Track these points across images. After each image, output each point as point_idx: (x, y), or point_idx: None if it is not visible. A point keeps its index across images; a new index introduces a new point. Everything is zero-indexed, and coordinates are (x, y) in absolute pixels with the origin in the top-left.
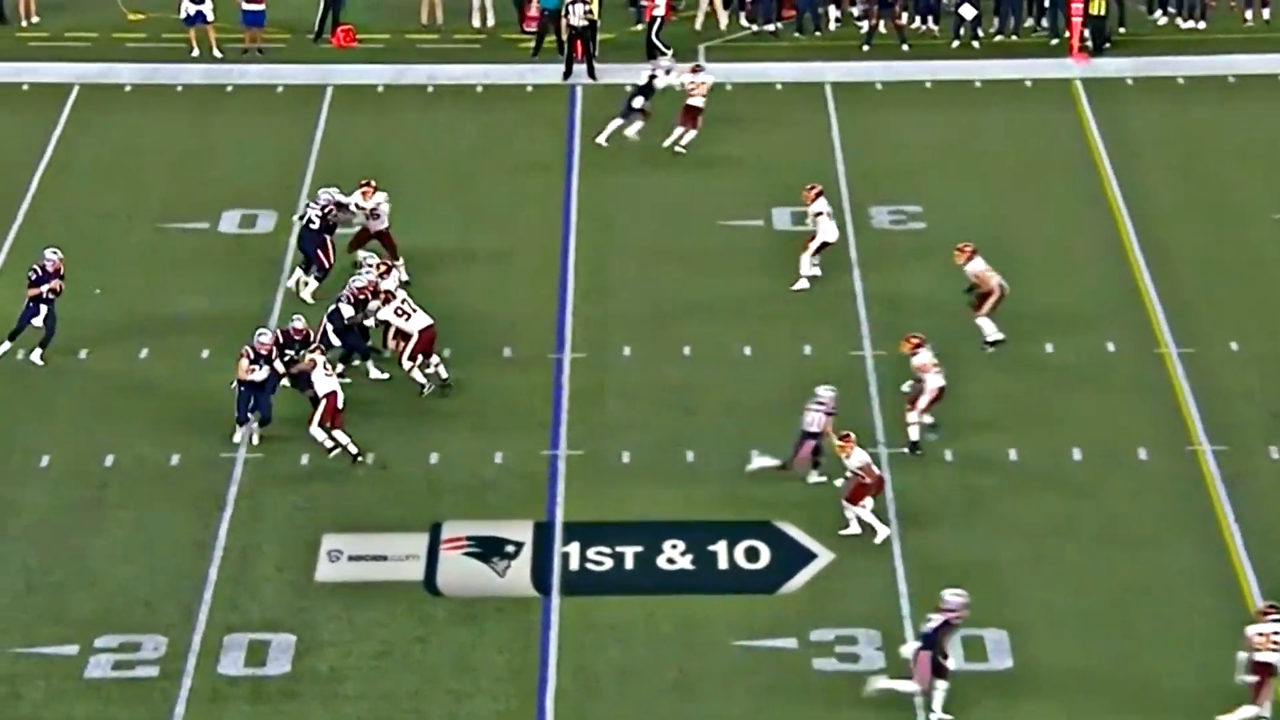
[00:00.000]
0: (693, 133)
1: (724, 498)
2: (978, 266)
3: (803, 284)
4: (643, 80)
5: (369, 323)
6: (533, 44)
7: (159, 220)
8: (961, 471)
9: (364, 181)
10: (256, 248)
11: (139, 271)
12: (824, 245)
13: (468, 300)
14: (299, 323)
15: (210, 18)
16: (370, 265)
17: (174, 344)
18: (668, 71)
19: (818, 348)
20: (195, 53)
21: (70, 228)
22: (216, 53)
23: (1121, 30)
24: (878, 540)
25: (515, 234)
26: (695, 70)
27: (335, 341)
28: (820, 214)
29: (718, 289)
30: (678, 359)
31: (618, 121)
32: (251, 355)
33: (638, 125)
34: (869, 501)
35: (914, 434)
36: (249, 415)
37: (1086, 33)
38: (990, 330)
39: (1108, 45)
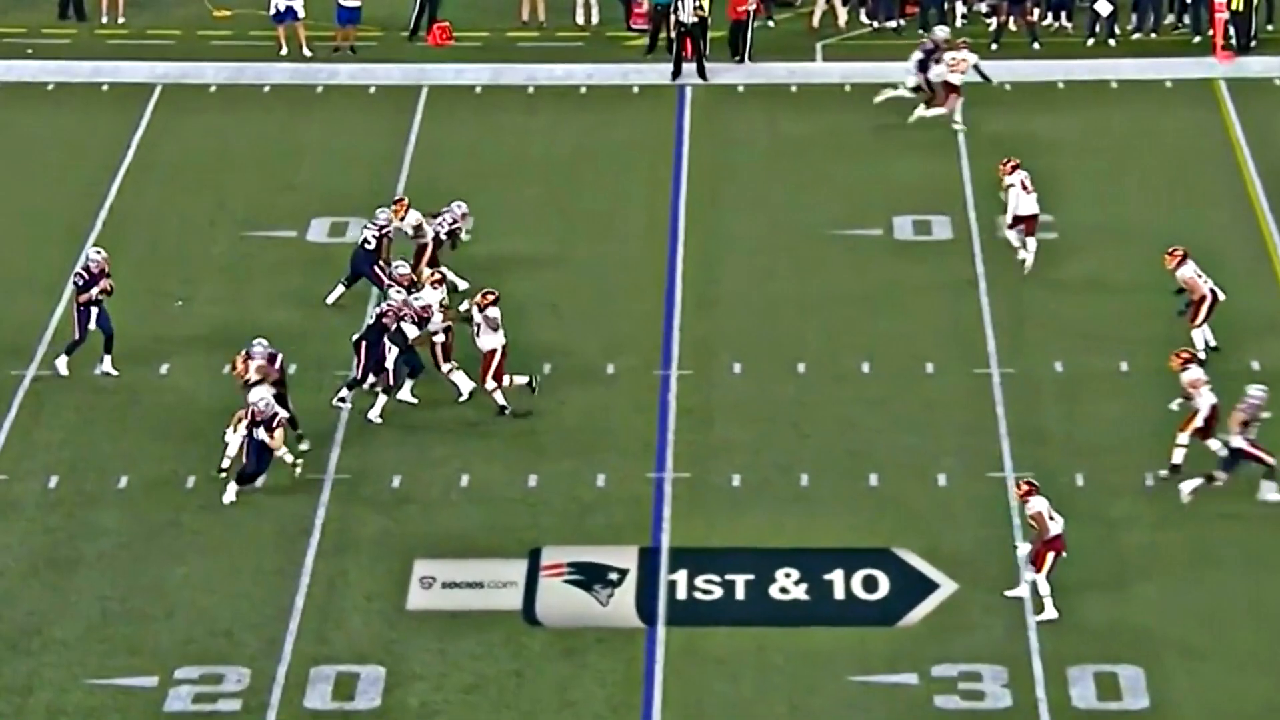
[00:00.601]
0: (942, 110)
1: (840, 524)
2: (1187, 272)
3: (1025, 260)
4: (916, 60)
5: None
6: (645, 41)
7: (244, 228)
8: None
9: (397, 199)
10: (346, 257)
11: (223, 282)
12: (1018, 220)
13: (568, 313)
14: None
15: (301, 14)
16: (402, 281)
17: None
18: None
19: (940, 365)
20: (284, 51)
21: (151, 235)
22: (306, 51)
23: (1270, 28)
24: (1041, 618)
25: (619, 243)
26: (957, 47)
27: (390, 365)
28: (1011, 186)
29: (833, 302)
30: (791, 376)
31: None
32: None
33: (929, 105)
34: (1049, 565)
35: (1178, 456)
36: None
37: (1231, 30)
38: (1203, 340)
39: (1253, 44)
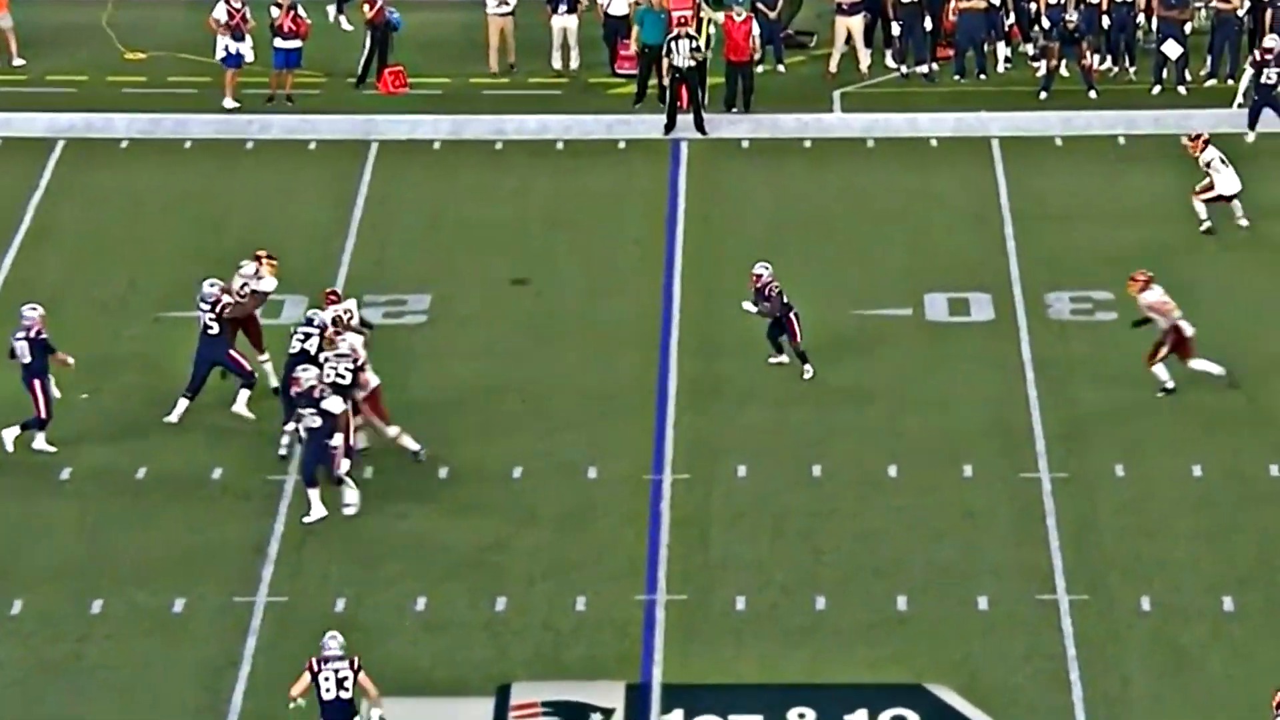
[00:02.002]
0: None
1: (863, 655)
2: (1152, 297)
3: (1205, 225)
4: None
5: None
6: (633, 88)
7: (160, 308)
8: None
9: (263, 254)
10: (282, 341)
11: (136, 371)
12: (1220, 198)
13: (543, 407)
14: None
15: (250, 58)
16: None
17: (177, 461)
18: None
19: (980, 467)
20: (233, 104)
21: (52, 315)
22: (229, 102)
23: None
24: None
25: (603, 326)
26: None
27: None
28: (1211, 162)
29: (856, 394)
30: (804, 481)
31: None
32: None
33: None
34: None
35: (1163, 374)
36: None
37: None
38: (1165, 376)
39: None
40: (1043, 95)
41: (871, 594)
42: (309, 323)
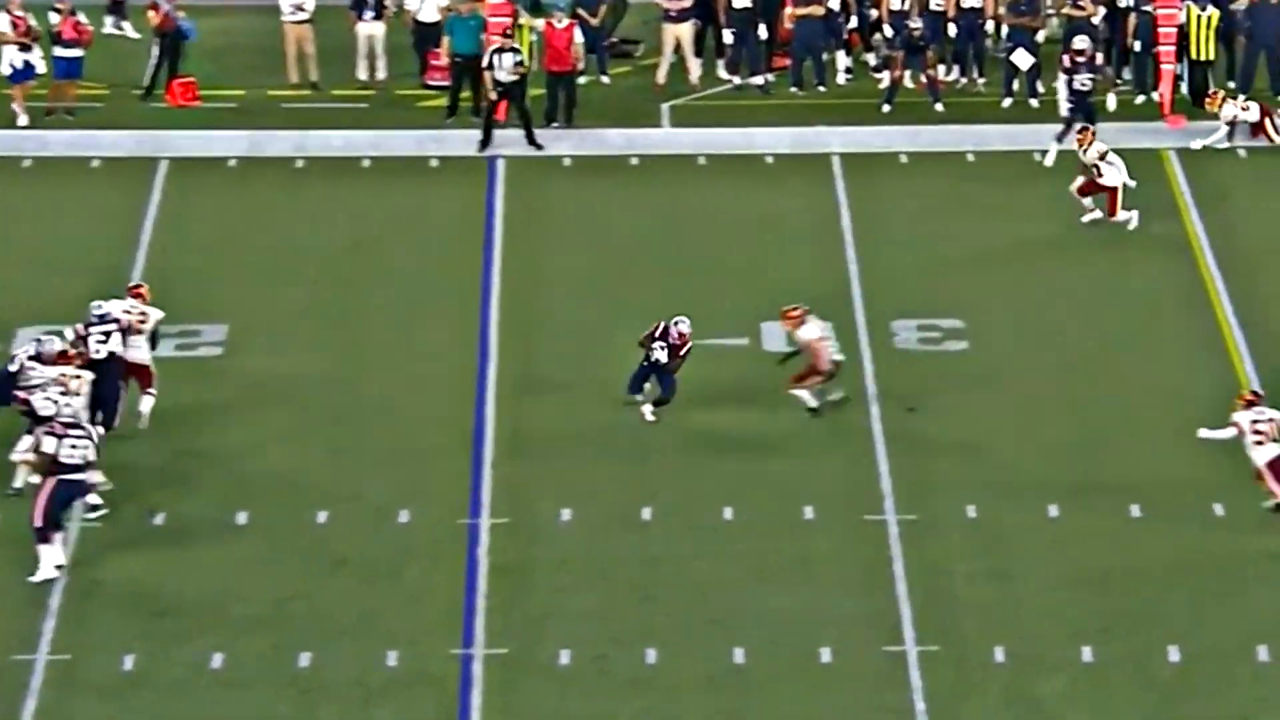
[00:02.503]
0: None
1: (697, 710)
2: (810, 334)
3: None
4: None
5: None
6: (446, 101)
7: None
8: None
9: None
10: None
11: None
12: (1104, 189)
13: (349, 446)
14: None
15: (42, 68)
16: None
17: None
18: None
19: (823, 510)
20: (24, 120)
21: None
22: (24, 119)
23: (1231, 85)
24: None
25: (414, 358)
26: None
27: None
28: (1105, 154)
29: (688, 429)
30: (633, 525)
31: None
32: None
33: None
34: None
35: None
36: None
37: (1185, 88)
38: (810, 399)
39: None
40: (886, 108)
41: (706, 645)
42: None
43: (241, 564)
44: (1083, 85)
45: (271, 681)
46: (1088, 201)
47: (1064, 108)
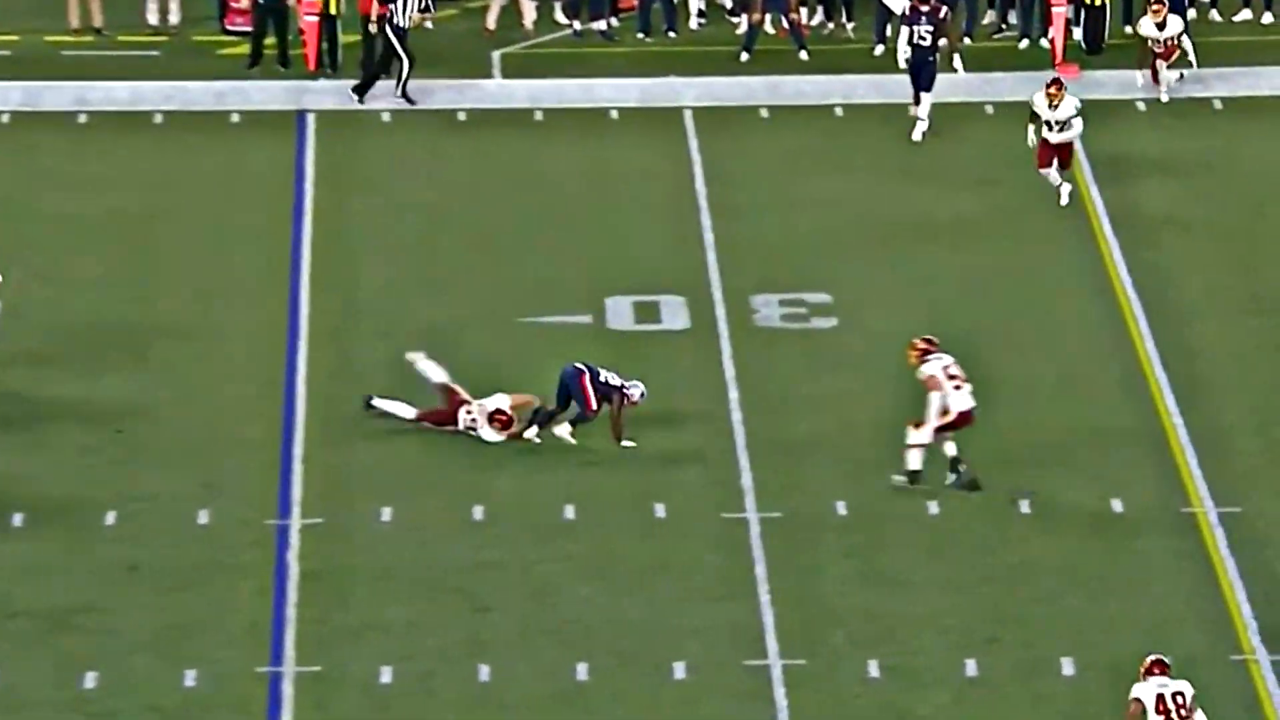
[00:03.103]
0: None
1: None
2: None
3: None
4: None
5: None
6: (248, 49)
7: None
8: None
9: None
10: None
11: None
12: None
13: (143, 439)
14: None
15: None
16: None
17: None
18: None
19: (676, 508)
20: None
21: None
22: None
23: (1128, 30)
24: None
25: (215, 336)
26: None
27: None
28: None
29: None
30: (464, 526)
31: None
32: None
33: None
34: None
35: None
36: None
37: (1077, 33)
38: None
39: (1103, 49)
40: (744, 57)
41: (546, 660)
42: None
43: (18, 571)
44: (921, 39)
45: (53, 705)
46: (1053, 175)
47: (901, 61)
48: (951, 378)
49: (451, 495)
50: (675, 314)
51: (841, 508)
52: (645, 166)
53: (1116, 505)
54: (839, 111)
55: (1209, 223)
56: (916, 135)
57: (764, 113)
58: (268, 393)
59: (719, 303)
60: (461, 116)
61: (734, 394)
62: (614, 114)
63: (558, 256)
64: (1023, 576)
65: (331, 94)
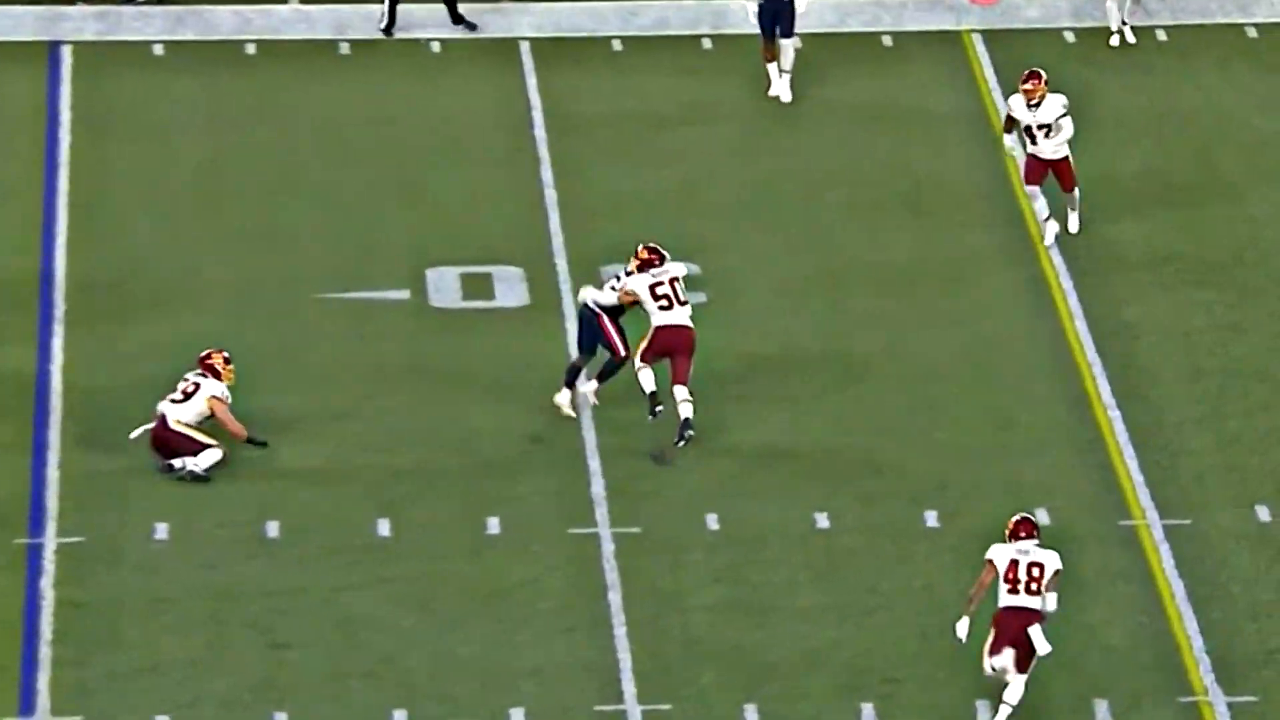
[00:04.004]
0: None
1: None
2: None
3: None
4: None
5: None
6: None
7: None
8: None
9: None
10: None
11: None
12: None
13: None
14: None
15: None
16: None
17: None
18: None
19: (513, 520)
20: None
21: None
22: None
23: None
24: None
25: None
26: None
27: None
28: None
29: (328, 414)
30: (256, 543)
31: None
32: None
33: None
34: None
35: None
36: None
37: None
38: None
39: None
40: None
41: (357, 707)
42: None
43: None
44: None
45: None
46: (1040, 205)
47: (750, 13)
48: (659, 297)
49: (240, 508)
50: (510, 288)
51: (712, 521)
52: (472, 109)
53: (1041, 517)
54: (707, 44)
55: (1148, 175)
56: (784, 95)
57: (617, 44)
58: (14, 385)
59: (563, 275)
60: (250, 49)
61: (582, 383)
62: (435, 46)
63: (367, 219)
64: (927, 604)
65: (92, 20)
